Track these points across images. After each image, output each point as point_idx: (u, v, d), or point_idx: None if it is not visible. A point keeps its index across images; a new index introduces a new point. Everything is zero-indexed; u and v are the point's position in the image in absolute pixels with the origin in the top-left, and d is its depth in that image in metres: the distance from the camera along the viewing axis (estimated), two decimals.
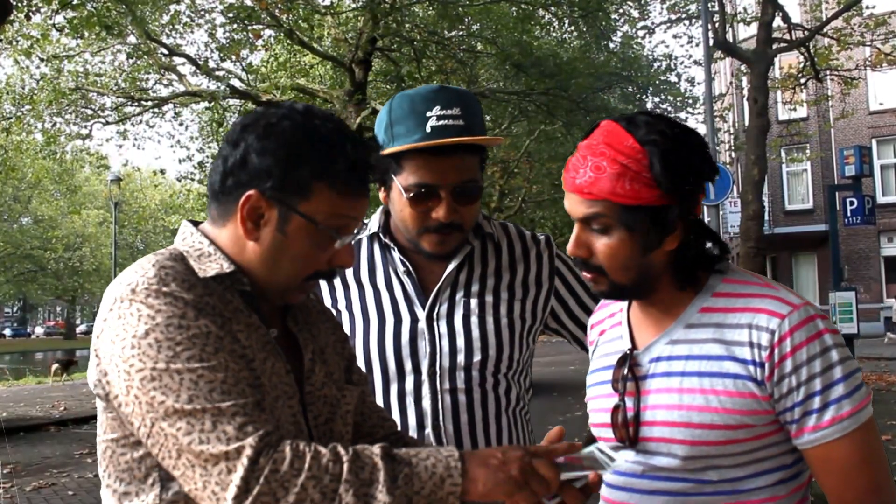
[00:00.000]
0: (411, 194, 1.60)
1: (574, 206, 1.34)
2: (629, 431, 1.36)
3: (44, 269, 43.51)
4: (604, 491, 1.43)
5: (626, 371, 1.39)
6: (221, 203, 1.25)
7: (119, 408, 1.13)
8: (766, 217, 22.10)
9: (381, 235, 1.74)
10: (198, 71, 16.76)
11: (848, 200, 20.81)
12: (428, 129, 1.57)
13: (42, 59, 16.29)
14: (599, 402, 1.46)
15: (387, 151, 1.60)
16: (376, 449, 1.11)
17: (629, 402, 1.37)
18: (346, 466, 1.07)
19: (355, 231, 1.27)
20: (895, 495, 1.28)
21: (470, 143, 1.60)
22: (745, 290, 1.34)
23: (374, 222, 1.77)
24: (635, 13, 19.14)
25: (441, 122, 1.57)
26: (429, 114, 1.58)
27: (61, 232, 40.91)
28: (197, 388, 1.08)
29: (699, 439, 1.29)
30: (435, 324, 1.67)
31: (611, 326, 1.52)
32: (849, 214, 20.93)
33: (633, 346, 1.43)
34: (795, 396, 1.26)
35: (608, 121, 1.36)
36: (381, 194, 1.70)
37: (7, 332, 59.40)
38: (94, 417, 1.13)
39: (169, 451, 1.09)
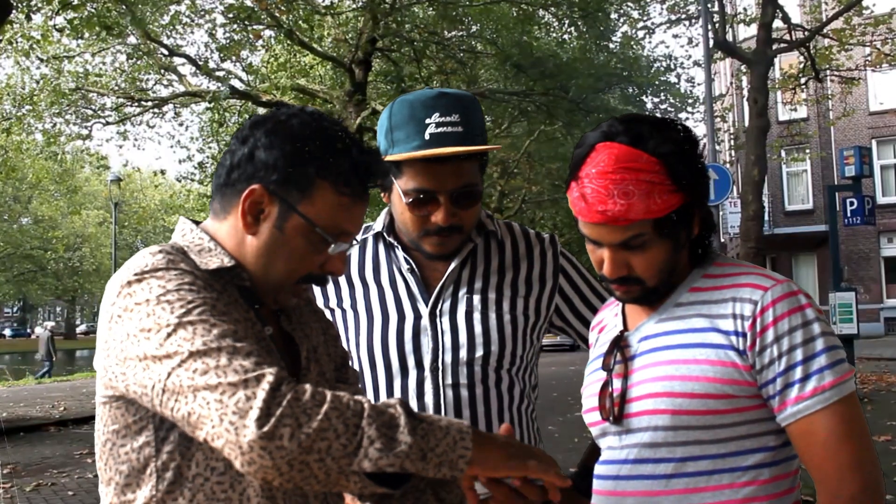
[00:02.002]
0: (410, 199, 1.63)
1: (607, 234, 1.34)
2: (614, 409, 1.39)
3: (44, 269, 43.52)
4: (594, 484, 1.45)
5: (616, 352, 1.42)
6: (225, 196, 1.27)
7: (135, 376, 1.11)
8: (766, 217, 22.12)
9: (385, 235, 1.76)
10: (198, 71, 16.79)
11: (848, 201, 20.76)
12: (427, 137, 1.59)
13: (42, 60, 16.31)
14: (591, 387, 1.48)
15: (387, 158, 1.63)
16: (392, 401, 1.12)
17: (617, 382, 1.40)
18: (366, 406, 1.07)
19: (350, 243, 1.28)
20: (877, 471, 1.28)
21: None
22: (732, 270, 1.40)
23: (378, 222, 1.79)
24: (635, 14, 19.15)
25: (440, 130, 1.59)
26: (428, 121, 1.60)
27: (61, 232, 40.93)
28: (210, 335, 1.08)
29: (681, 408, 1.31)
30: (438, 320, 1.69)
31: (610, 319, 1.55)
32: (849, 215, 20.87)
33: (625, 329, 1.47)
34: (777, 367, 1.28)
35: (605, 143, 1.33)
36: (383, 195, 1.72)
37: (7, 332, 59.37)
38: (94, 417, 1.12)
39: (185, 396, 1.05)
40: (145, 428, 1.17)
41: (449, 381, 1.65)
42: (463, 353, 1.66)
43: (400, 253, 1.74)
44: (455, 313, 1.69)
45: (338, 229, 1.25)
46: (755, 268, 1.39)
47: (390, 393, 1.68)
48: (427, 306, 1.69)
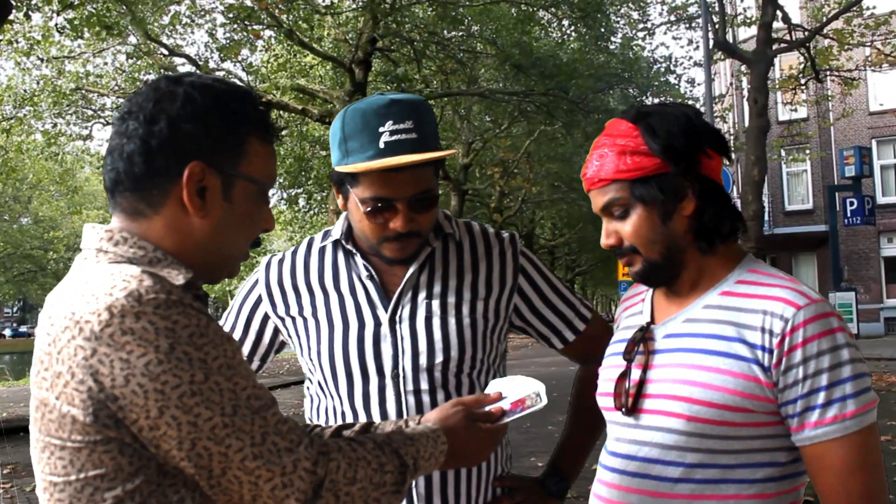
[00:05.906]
0: (368, 208, 1.62)
1: (594, 199, 1.44)
2: (629, 400, 1.39)
3: (44, 269, 43.52)
4: (599, 472, 1.46)
5: (639, 343, 1.43)
6: (149, 188, 1.14)
7: (140, 432, 1.02)
8: (766, 217, 22.13)
9: (343, 242, 1.75)
10: (198, 71, 16.78)
11: (848, 201, 20.80)
12: (381, 146, 1.58)
13: (42, 60, 16.32)
14: (609, 372, 1.49)
15: (342, 169, 1.61)
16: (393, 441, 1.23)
17: (635, 373, 1.40)
18: (386, 460, 1.18)
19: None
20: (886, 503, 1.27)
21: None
22: (766, 280, 1.37)
23: (337, 229, 1.78)
24: (635, 14, 19.16)
25: (394, 138, 1.58)
26: (381, 129, 1.58)
27: (61, 232, 40.94)
28: (237, 398, 1.04)
29: (696, 415, 1.31)
30: (397, 326, 1.68)
31: (636, 303, 1.56)
32: (849, 215, 20.91)
33: (652, 321, 1.46)
34: (800, 389, 1.27)
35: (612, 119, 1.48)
36: (340, 202, 1.71)
37: (7, 332, 59.38)
38: None
39: (211, 469, 1.03)
40: (145, 467, 1.05)
41: (410, 387, 1.65)
42: (423, 360, 1.66)
43: (359, 260, 1.72)
44: (414, 319, 1.68)
45: (272, 179, 1.23)
46: (791, 281, 1.36)
47: (352, 400, 1.68)
48: (387, 313, 1.69)
